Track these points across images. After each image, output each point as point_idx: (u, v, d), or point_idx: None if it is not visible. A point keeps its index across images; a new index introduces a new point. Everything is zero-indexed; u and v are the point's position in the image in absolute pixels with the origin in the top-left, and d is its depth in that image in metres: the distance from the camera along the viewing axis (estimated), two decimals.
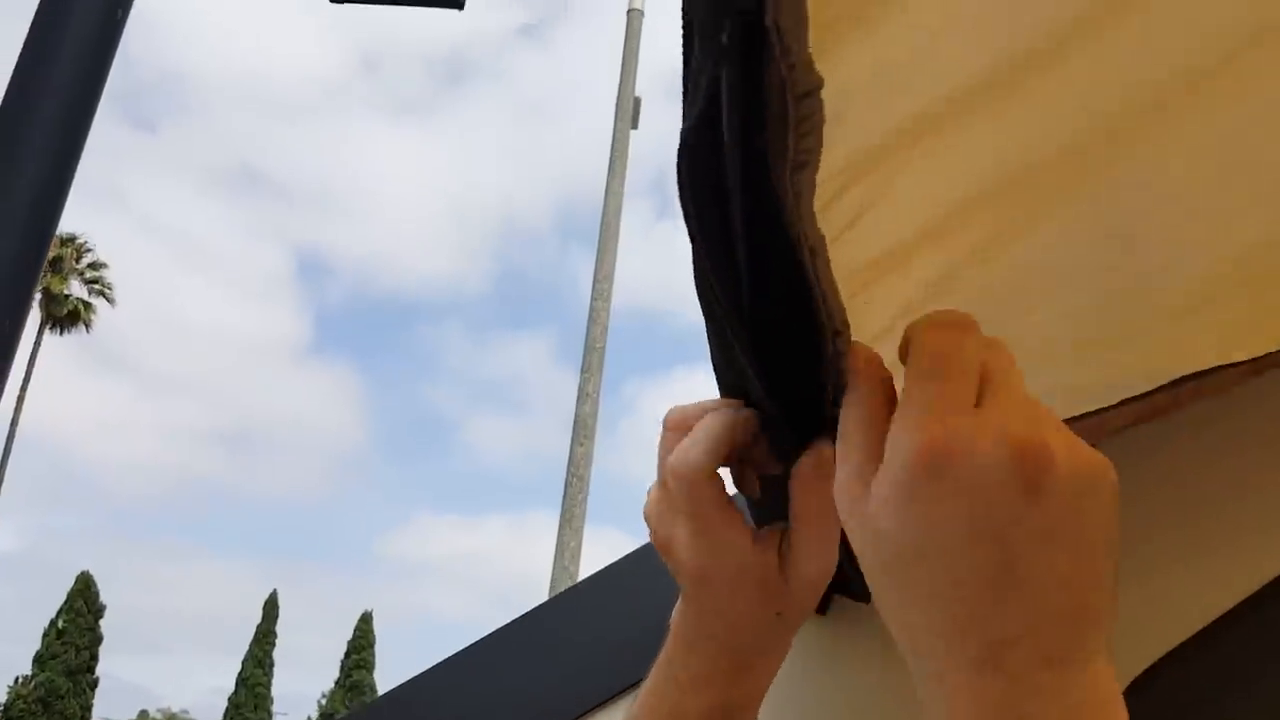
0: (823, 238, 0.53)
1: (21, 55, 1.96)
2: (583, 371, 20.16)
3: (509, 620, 1.57)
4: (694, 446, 0.64)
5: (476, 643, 1.56)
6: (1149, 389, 0.87)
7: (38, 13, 1.99)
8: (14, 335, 1.80)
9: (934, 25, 0.54)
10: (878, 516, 0.52)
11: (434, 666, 1.44)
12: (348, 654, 44.69)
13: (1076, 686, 0.49)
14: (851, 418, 0.57)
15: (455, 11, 3.13)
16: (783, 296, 0.55)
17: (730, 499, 0.66)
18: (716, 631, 0.68)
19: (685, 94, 0.50)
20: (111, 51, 2.02)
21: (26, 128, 1.90)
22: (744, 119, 0.46)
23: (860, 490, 0.54)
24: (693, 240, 0.57)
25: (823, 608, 0.94)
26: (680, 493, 0.65)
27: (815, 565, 0.66)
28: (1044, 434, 0.50)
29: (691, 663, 0.69)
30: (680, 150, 0.51)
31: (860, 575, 0.89)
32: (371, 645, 44.81)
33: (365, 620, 45.39)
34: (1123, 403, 0.87)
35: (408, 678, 1.46)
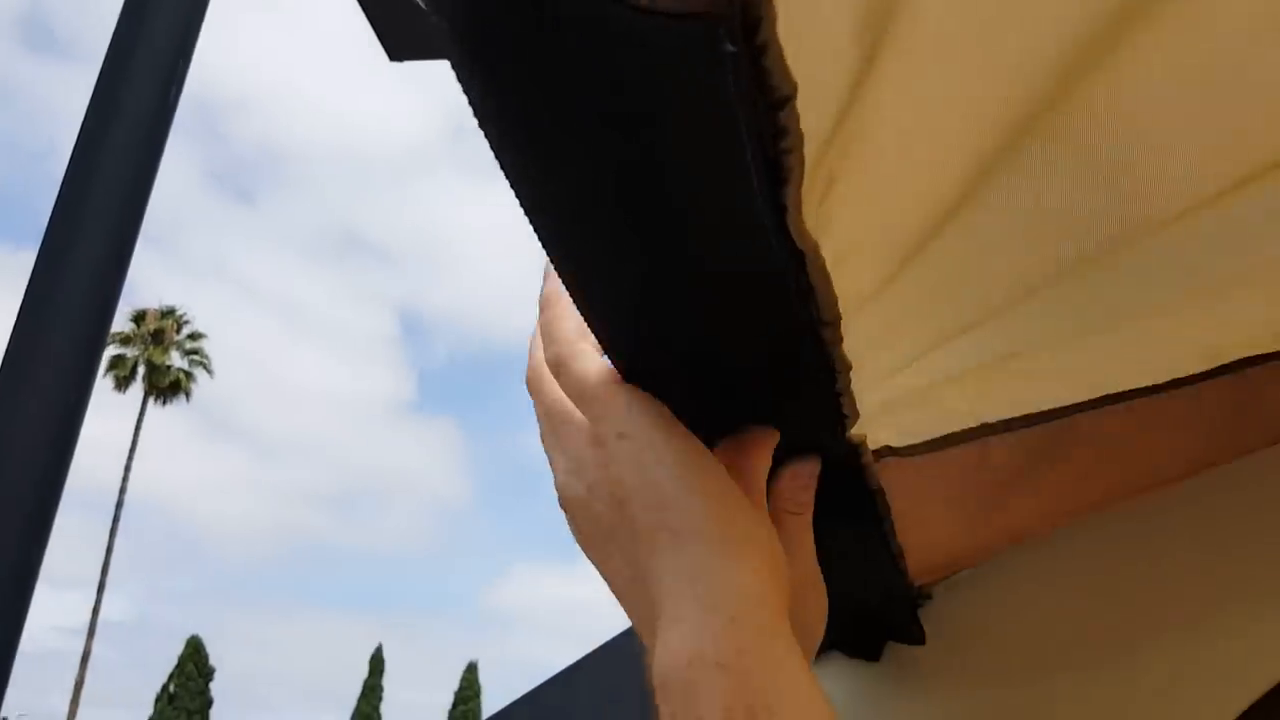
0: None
1: (80, 135, 2.04)
2: None
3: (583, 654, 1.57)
4: None
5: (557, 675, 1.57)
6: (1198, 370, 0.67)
7: (95, 94, 2.06)
8: (80, 405, 1.86)
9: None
10: None
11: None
12: (454, 705, 44.96)
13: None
14: None
15: None
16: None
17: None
18: None
19: None
20: (165, 126, 2.08)
21: (86, 204, 1.97)
22: None
23: None
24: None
25: (875, 654, 0.85)
26: None
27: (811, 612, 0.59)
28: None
29: None
30: None
31: (914, 619, 0.79)
32: (478, 696, 45.02)
33: (471, 670, 45.67)
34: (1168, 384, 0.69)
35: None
